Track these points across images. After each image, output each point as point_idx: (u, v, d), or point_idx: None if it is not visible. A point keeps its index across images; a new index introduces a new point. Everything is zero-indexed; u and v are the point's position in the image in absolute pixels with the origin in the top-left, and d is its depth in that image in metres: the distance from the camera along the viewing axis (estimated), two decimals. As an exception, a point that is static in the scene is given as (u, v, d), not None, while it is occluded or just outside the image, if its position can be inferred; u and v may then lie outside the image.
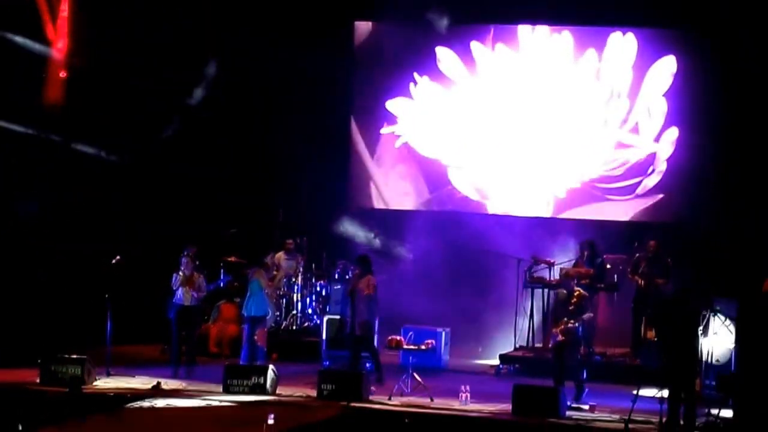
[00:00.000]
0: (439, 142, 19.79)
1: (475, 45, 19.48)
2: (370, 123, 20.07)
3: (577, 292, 14.78)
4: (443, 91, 19.66)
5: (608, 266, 17.39)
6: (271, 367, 14.81)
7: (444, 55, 19.60)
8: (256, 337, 15.76)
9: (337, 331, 17.08)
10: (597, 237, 17.77)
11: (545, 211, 19.41)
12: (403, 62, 19.69)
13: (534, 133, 19.39)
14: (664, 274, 16.47)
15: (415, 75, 19.63)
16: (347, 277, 18.43)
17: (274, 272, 17.64)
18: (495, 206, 19.61)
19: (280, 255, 18.65)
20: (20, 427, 11.78)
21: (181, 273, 16.00)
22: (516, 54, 19.42)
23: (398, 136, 19.91)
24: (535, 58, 19.36)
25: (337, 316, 17.30)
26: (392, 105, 19.83)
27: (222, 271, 18.46)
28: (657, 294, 16.18)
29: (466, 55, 19.52)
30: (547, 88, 19.34)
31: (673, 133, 18.67)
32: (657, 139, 18.77)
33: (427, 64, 19.64)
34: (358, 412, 13.41)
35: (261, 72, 19.72)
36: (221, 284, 17.94)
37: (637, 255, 16.93)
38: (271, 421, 11.12)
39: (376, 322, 16.06)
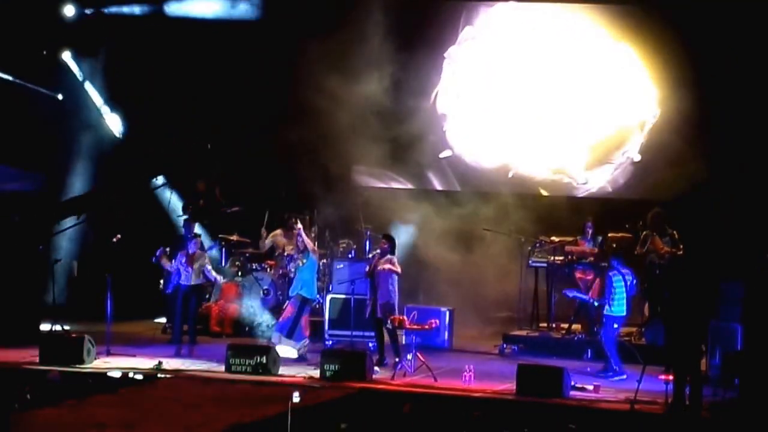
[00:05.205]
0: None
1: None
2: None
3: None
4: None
5: (613, 245, 17.23)
6: (274, 346, 14.74)
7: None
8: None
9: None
10: (600, 215, 17.67)
11: (548, 190, 19.31)
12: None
13: (534, 109, 19.33)
14: (672, 246, 16.18)
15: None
16: (350, 255, 18.30)
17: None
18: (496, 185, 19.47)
19: (278, 232, 18.51)
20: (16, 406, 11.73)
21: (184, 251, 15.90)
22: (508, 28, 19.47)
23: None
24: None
25: (341, 296, 17.14)
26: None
27: (216, 243, 18.35)
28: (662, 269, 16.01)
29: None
30: (541, 64, 19.30)
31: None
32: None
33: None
34: (361, 393, 13.30)
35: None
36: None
37: (645, 232, 16.72)
38: (296, 399, 10.98)
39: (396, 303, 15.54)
